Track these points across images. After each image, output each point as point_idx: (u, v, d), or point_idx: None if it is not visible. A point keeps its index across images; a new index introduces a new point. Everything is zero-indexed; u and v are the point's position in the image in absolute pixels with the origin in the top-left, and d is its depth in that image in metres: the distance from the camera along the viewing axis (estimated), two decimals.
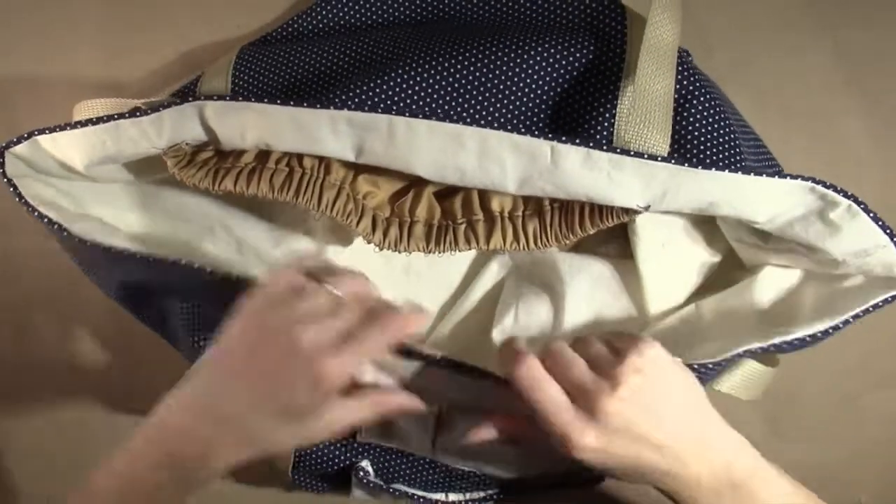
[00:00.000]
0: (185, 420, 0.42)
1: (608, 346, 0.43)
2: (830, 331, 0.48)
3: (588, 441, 0.40)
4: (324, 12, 0.54)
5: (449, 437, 0.51)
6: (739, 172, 0.44)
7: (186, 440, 0.41)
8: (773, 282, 0.52)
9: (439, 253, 0.52)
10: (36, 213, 0.49)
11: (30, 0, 0.62)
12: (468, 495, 0.56)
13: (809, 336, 0.48)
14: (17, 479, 0.67)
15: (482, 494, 0.56)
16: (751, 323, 0.52)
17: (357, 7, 0.54)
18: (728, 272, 0.55)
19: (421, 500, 0.55)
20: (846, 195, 0.45)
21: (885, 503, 0.66)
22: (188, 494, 0.42)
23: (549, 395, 0.41)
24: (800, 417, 0.64)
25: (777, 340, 0.47)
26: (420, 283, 0.59)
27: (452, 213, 0.53)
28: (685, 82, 0.48)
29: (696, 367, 0.47)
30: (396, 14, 0.54)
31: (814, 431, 0.65)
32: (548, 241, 0.51)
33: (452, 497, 0.56)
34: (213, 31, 0.61)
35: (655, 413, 0.41)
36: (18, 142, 0.49)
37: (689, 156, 0.47)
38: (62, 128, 0.49)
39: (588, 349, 0.43)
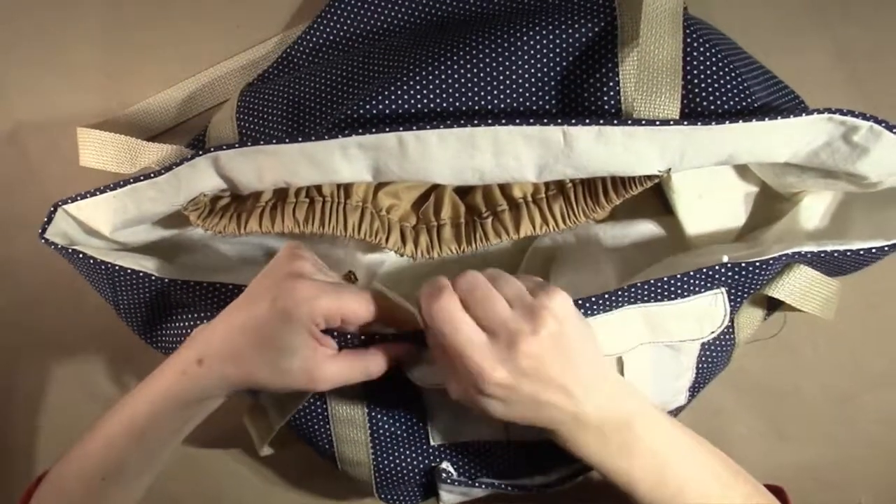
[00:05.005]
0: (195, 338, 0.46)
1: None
2: (887, 248, 0.48)
3: (499, 376, 0.40)
4: (314, 36, 0.54)
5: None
6: (753, 120, 0.43)
7: (192, 347, 0.45)
8: (817, 204, 0.53)
9: (472, 252, 0.52)
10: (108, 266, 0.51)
11: (30, 0, 0.62)
12: (553, 475, 0.56)
13: (863, 250, 0.48)
14: (16, 479, 0.68)
15: (567, 472, 0.55)
16: (801, 237, 0.52)
17: (349, 23, 0.54)
18: (772, 205, 0.55)
19: (509, 488, 0.55)
20: (865, 117, 0.44)
21: (885, 503, 0.66)
22: (197, 398, 0.45)
23: (466, 334, 0.40)
24: (799, 417, 0.64)
25: (829, 248, 0.48)
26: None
27: (476, 207, 0.53)
28: (683, 36, 0.47)
29: (742, 265, 0.47)
30: (388, 24, 0.54)
31: (813, 431, 0.64)
32: (576, 218, 0.51)
33: (539, 480, 0.56)
34: (213, 31, 0.61)
35: (566, 358, 0.41)
36: (49, 221, 0.50)
37: (700, 110, 0.46)
38: (83, 196, 0.50)
39: (505, 287, 0.42)
